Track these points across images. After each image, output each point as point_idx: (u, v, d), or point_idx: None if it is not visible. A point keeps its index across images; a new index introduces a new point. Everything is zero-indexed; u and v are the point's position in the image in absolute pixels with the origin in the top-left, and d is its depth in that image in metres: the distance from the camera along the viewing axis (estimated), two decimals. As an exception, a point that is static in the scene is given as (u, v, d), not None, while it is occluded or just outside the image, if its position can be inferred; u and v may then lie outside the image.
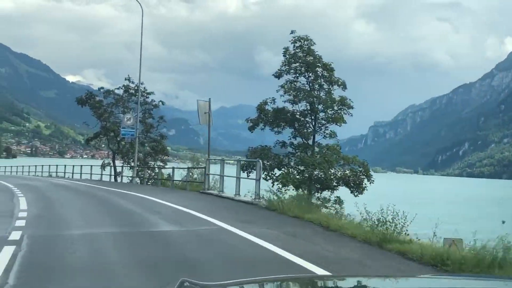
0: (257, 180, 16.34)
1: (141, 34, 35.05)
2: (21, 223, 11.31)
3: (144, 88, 39.04)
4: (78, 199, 17.63)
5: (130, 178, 34.59)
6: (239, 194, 17.82)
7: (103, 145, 46.42)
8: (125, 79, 40.03)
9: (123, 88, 40.03)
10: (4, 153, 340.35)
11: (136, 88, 38.95)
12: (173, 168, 26.89)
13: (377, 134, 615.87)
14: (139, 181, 33.77)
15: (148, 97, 39.89)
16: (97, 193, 20.69)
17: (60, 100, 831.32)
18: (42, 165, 49.30)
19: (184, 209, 14.49)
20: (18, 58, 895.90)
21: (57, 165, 45.72)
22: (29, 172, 52.19)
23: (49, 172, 47.45)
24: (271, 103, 24.58)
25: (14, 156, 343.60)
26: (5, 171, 58.80)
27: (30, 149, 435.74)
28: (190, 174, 27.24)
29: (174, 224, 11.67)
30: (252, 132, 24.93)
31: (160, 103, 40.96)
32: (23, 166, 55.78)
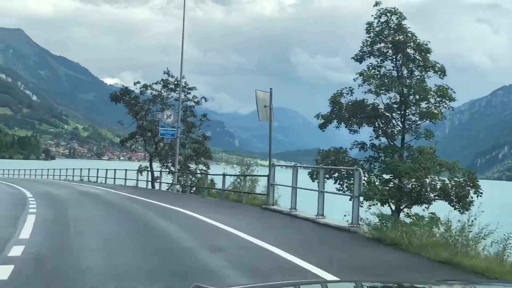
0: (356, 197, 11.39)
1: (183, 23, 30.48)
2: (5, 272, 6.68)
3: (185, 82, 34.46)
4: (105, 220, 12.97)
5: (169, 185, 30.08)
6: (323, 215, 12.89)
7: (139, 147, 42.19)
8: (164, 73, 35.55)
9: (161, 83, 35.55)
10: (43, 155, 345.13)
11: (176, 82, 34.43)
12: (223, 175, 22.01)
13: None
14: (179, 189, 29.22)
15: (189, 93, 35.27)
16: (132, 208, 16.06)
17: (98, 102, 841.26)
18: (73, 169, 45.40)
19: (257, 242, 9.65)
20: (57, 61, 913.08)
21: (89, 169, 41.54)
22: (60, 175, 48.52)
23: (80, 176, 43.49)
24: (348, 94, 19.54)
25: (53, 158, 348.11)
26: (35, 174, 55.49)
27: (68, 150, 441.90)
28: (239, 181, 22.75)
29: (255, 278, 6.85)
30: (323, 130, 19.94)
31: (203, 99, 36.19)
32: (54, 169, 52.12)
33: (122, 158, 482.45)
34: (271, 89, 18.56)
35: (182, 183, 29.76)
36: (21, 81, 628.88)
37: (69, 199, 18.81)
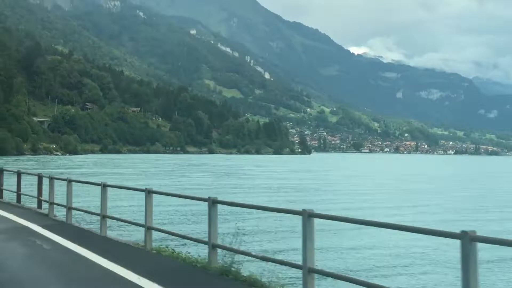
0: None
1: None
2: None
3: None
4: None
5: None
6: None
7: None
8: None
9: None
10: (298, 147, 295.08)
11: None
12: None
13: None
14: None
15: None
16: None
17: (344, 77, 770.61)
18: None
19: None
20: (290, 29, 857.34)
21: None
22: None
23: None
24: None
25: (309, 152, 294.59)
26: None
27: (317, 142, 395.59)
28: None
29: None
30: None
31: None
32: None
33: (386, 149, 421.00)
34: None
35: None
36: (249, 56, 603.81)
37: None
